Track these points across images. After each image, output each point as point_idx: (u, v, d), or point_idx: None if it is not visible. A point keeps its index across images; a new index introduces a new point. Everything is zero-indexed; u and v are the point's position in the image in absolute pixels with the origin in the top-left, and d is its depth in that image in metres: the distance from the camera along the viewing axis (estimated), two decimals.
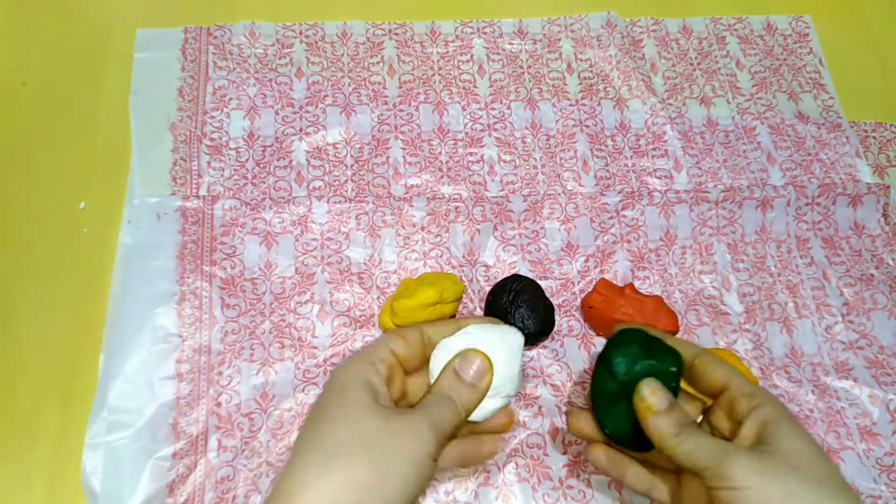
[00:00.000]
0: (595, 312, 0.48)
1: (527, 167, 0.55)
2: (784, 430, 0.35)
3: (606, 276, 0.51)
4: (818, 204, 0.54)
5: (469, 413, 0.38)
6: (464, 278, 0.50)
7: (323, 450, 0.33)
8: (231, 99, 0.56)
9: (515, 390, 0.39)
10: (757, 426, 0.35)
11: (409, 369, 0.40)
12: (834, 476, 0.33)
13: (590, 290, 0.50)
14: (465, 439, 0.40)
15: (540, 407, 0.47)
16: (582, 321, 0.50)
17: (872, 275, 0.52)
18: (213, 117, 0.55)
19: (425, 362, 0.40)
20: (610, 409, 0.39)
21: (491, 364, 0.38)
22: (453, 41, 0.60)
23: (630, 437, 0.39)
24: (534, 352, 0.48)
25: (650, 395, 0.36)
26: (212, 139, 0.54)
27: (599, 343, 0.49)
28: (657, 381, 0.37)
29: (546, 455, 0.45)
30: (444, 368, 0.38)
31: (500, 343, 0.39)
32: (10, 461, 0.45)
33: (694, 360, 0.39)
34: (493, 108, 0.58)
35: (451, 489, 0.44)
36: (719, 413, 0.38)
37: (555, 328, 0.48)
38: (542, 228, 0.52)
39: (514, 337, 0.39)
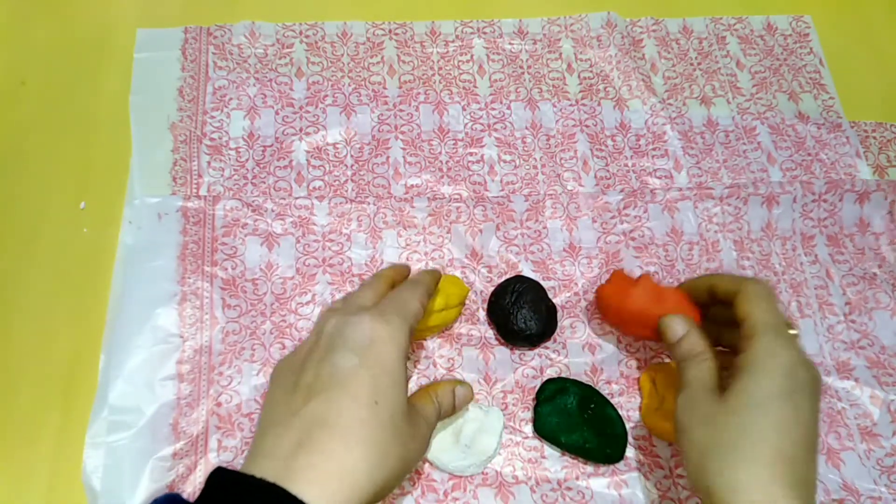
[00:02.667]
0: (608, 302, 0.47)
1: (527, 167, 0.55)
2: (744, 381, 0.35)
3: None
4: (825, 200, 0.54)
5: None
6: (466, 279, 0.50)
7: (371, 442, 0.32)
8: (231, 99, 0.56)
9: (494, 454, 0.45)
10: (735, 370, 0.37)
11: None
12: (781, 453, 0.33)
13: (594, 290, 0.50)
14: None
15: None
16: (586, 322, 0.50)
17: (875, 274, 0.52)
18: (213, 117, 0.55)
19: None
20: (569, 430, 0.44)
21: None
22: (453, 41, 0.60)
23: (591, 448, 0.44)
24: (535, 353, 0.48)
25: (667, 328, 0.41)
26: (212, 139, 0.54)
27: (605, 343, 0.49)
28: (675, 316, 0.41)
29: (544, 458, 0.45)
30: (446, 386, 0.41)
31: (485, 420, 0.45)
32: (10, 460, 0.45)
33: (734, 299, 0.40)
34: (493, 108, 0.58)
35: (451, 489, 0.44)
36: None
37: (557, 329, 0.48)
38: (544, 228, 0.52)
39: (497, 415, 0.45)
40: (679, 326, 0.40)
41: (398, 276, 0.43)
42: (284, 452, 0.31)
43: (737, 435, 0.33)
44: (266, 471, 0.30)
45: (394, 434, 0.33)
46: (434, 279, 0.43)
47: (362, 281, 0.50)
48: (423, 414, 0.37)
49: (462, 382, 0.42)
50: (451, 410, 0.40)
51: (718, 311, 0.43)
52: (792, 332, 0.37)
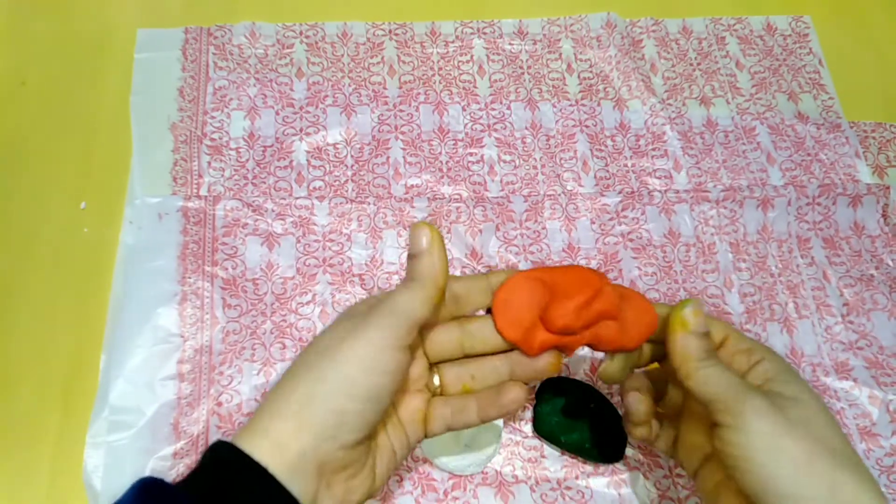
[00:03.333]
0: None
1: (527, 167, 0.55)
2: (791, 388, 0.33)
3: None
4: (819, 204, 0.54)
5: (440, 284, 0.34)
6: None
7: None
8: (231, 99, 0.56)
9: (494, 454, 0.44)
10: (759, 383, 0.34)
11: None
12: (847, 447, 0.32)
13: None
14: (482, 393, 0.37)
15: None
16: None
17: (872, 275, 0.52)
18: (213, 117, 0.55)
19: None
20: (569, 430, 0.44)
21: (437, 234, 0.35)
22: (453, 41, 0.60)
23: (591, 448, 0.44)
24: None
25: (692, 314, 0.34)
26: (212, 139, 0.54)
27: None
28: (699, 304, 0.35)
29: (544, 457, 0.45)
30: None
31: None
32: (11, 460, 0.45)
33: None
34: (493, 109, 0.58)
35: (451, 489, 0.44)
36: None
37: None
38: (543, 229, 0.52)
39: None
40: (701, 319, 0.35)
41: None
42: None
43: (835, 444, 0.31)
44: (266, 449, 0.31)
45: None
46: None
47: (362, 281, 0.50)
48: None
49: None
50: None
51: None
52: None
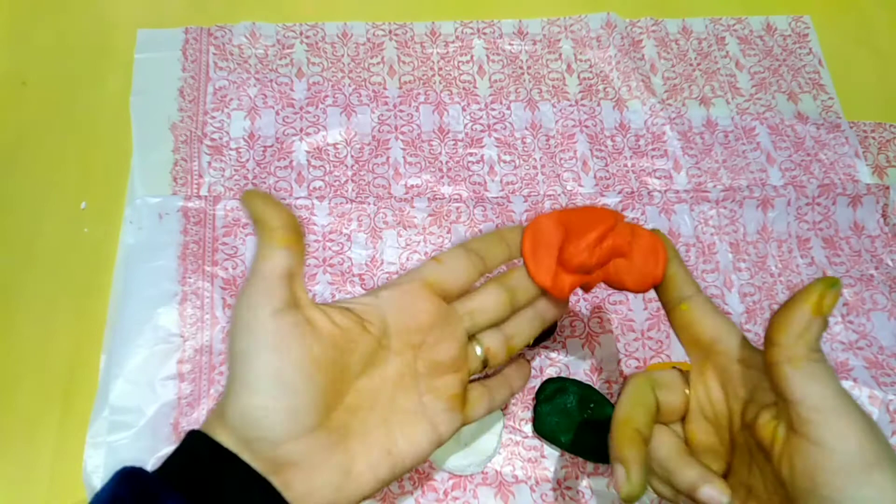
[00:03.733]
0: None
1: (527, 167, 0.55)
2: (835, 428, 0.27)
3: None
4: (818, 204, 0.54)
5: None
6: None
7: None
8: (232, 99, 0.56)
9: (494, 454, 0.45)
10: (783, 428, 0.28)
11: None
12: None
13: (593, 290, 0.50)
14: (487, 381, 0.37)
15: None
16: (585, 321, 0.50)
17: (872, 275, 0.52)
18: (213, 117, 0.55)
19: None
20: (569, 429, 0.44)
21: None
22: (453, 42, 0.60)
23: (591, 448, 0.44)
24: (535, 352, 0.48)
25: (833, 297, 0.31)
26: (212, 139, 0.54)
27: (605, 342, 0.49)
28: (840, 288, 0.31)
29: (544, 457, 0.45)
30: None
31: (485, 419, 0.43)
32: (11, 460, 0.45)
33: (679, 305, 0.34)
34: (493, 109, 0.58)
35: (451, 489, 0.44)
36: (710, 379, 0.32)
37: (557, 329, 0.48)
38: None
39: (497, 415, 0.45)
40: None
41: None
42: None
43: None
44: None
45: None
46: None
47: (362, 280, 0.50)
48: None
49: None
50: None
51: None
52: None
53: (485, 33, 0.61)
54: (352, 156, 0.55)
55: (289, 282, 0.29)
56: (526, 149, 0.56)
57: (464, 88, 0.58)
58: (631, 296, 0.50)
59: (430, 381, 0.33)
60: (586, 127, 0.57)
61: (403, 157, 0.55)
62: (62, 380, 0.47)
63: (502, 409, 0.46)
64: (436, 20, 0.61)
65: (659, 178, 0.56)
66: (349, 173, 0.54)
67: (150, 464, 0.43)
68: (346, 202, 0.52)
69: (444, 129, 0.57)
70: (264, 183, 0.53)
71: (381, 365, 0.32)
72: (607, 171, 0.56)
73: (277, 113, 0.56)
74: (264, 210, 0.29)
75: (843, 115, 0.59)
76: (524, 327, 0.37)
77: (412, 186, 0.54)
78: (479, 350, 0.35)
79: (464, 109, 0.58)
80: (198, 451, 0.29)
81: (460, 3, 0.62)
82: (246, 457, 0.28)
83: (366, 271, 0.50)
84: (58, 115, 0.55)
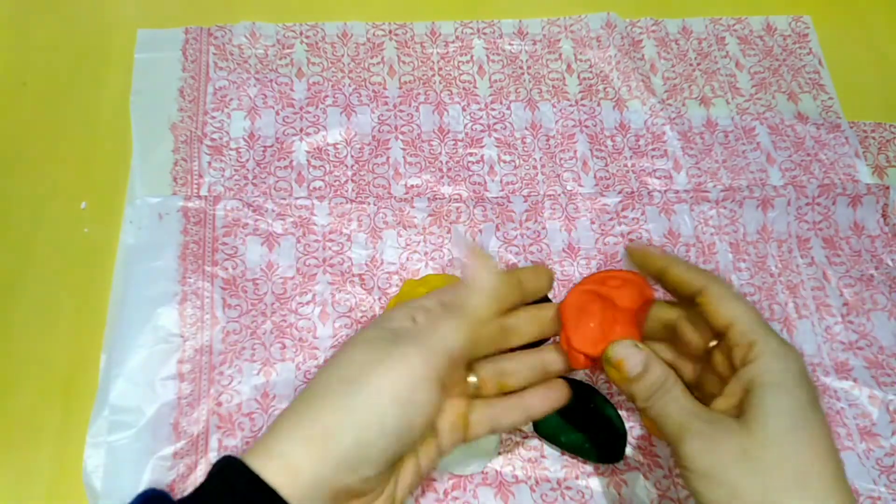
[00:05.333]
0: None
1: (527, 167, 0.55)
2: (768, 401, 0.29)
3: None
4: (818, 204, 0.54)
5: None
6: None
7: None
8: (232, 99, 0.56)
9: (494, 454, 0.44)
10: (740, 389, 0.31)
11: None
12: (825, 473, 0.28)
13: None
14: (495, 402, 0.37)
15: None
16: None
17: (872, 275, 0.52)
18: (213, 117, 0.55)
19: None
20: (569, 429, 0.44)
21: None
22: (453, 42, 0.60)
23: (591, 448, 0.44)
24: None
25: (620, 364, 0.33)
26: (212, 139, 0.54)
27: None
28: (625, 345, 0.33)
29: (544, 457, 0.45)
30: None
31: None
32: (11, 460, 0.45)
33: (697, 298, 0.34)
34: (493, 109, 0.58)
35: (451, 489, 0.44)
36: (719, 357, 0.34)
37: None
38: (543, 229, 0.52)
39: None
40: (634, 360, 0.33)
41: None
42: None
43: (785, 468, 0.28)
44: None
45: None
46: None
47: (362, 280, 0.50)
48: None
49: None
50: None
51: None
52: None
53: (485, 33, 0.61)
54: (352, 156, 0.55)
55: (459, 364, 0.32)
56: (526, 149, 0.56)
57: (464, 88, 0.59)
58: None
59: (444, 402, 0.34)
60: (586, 127, 0.57)
61: (403, 157, 0.55)
62: (62, 380, 0.47)
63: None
64: (436, 20, 0.61)
65: (659, 178, 0.56)
66: (349, 173, 0.54)
67: (150, 465, 0.43)
68: (346, 202, 0.52)
69: (444, 129, 0.57)
70: (264, 183, 0.53)
71: None
72: (607, 171, 0.56)
73: (277, 113, 0.56)
74: (483, 294, 0.32)
75: (843, 115, 0.59)
76: (524, 370, 0.37)
77: (412, 186, 0.54)
78: (473, 378, 0.36)
79: (464, 109, 0.58)
80: (229, 479, 0.28)
81: (460, 3, 0.62)
82: (290, 490, 0.27)
83: (366, 271, 0.50)
84: (58, 115, 0.55)
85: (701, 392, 0.36)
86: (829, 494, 0.28)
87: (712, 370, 0.35)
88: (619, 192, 0.54)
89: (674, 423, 0.31)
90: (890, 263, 0.53)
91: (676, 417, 0.31)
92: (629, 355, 0.33)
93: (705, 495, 0.29)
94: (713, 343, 0.35)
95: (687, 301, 0.36)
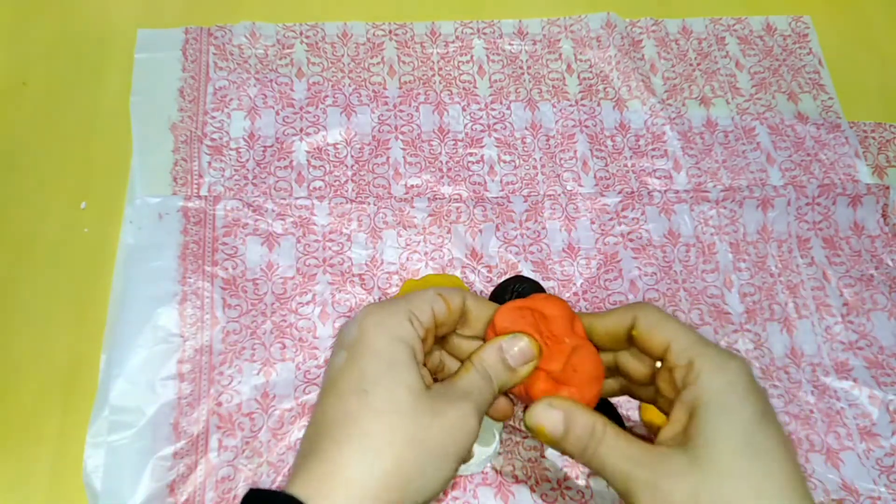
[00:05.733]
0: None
1: (526, 167, 0.55)
2: (712, 425, 0.28)
3: (609, 277, 0.51)
4: (818, 204, 0.54)
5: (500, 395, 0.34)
6: (466, 279, 0.50)
7: (361, 434, 0.29)
8: (232, 99, 0.56)
9: (494, 453, 0.44)
10: (684, 414, 0.30)
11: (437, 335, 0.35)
12: (783, 495, 0.27)
13: (594, 290, 0.50)
14: None
15: None
16: None
17: (872, 275, 0.52)
18: (213, 117, 0.55)
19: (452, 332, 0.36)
20: None
21: (539, 349, 0.34)
22: (453, 42, 0.60)
23: None
24: None
25: (540, 431, 0.31)
26: (212, 139, 0.54)
27: None
28: (542, 408, 0.31)
29: (544, 457, 0.45)
30: (489, 344, 0.34)
31: (485, 419, 0.42)
32: (11, 460, 0.45)
33: (632, 332, 0.33)
34: (493, 109, 0.58)
35: (451, 489, 0.44)
36: (664, 384, 0.32)
37: None
38: (543, 229, 0.52)
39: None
40: (552, 421, 0.31)
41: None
42: (296, 468, 0.30)
43: (740, 498, 0.27)
44: (291, 485, 0.29)
45: (395, 418, 0.29)
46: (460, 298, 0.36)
47: (362, 280, 0.50)
48: (459, 388, 0.32)
49: (514, 336, 0.34)
50: (508, 372, 0.33)
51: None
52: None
53: (485, 33, 0.61)
54: (352, 156, 0.55)
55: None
56: (526, 149, 0.56)
57: (464, 88, 0.58)
58: (631, 296, 0.50)
59: None
60: (586, 127, 0.57)
61: (403, 157, 0.55)
62: (62, 380, 0.47)
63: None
64: (436, 20, 0.61)
65: (659, 178, 0.56)
66: (349, 173, 0.54)
67: (150, 465, 0.43)
68: (346, 202, 0.52)
69: (444, 129, 0.57)
70: (264, 183, 0.53)
71: None
72: (607, 171, 0.56)
73: (277, 113, 0.56)
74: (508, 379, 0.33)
75: (843, 115, 0.59)
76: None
77: (412, 186, 0.54)
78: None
79: (464, 109, 0.58)
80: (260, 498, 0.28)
81: (460, 3, 0.62)
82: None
83: (366, 271, 0.50)
84: (58, 115, 0.55)
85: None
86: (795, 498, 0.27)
87: (663, 398, 0.33)
88: (619, 192, 0.54)
89: (618, 475, 0.29)
90: (890, 263, 0.53)
91: (618, 468, 0.29)
92: (546, 418, 0.31)
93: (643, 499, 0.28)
94: (658, 365, 0.33)
95: (627, 342, 0.34)
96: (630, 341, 0.34)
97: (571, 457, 0.32)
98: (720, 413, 0.28)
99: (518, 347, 0.33)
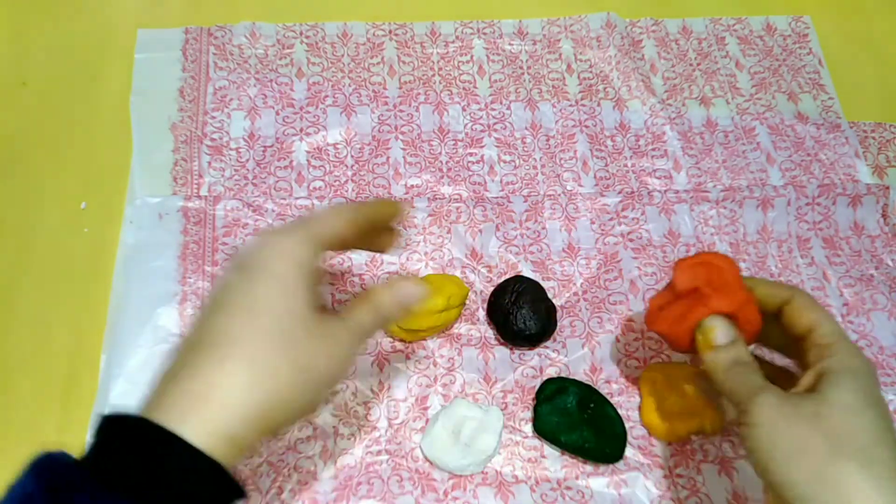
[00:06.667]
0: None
1: (527, 167, 0.55)
2: (837, 380, 0.33)
3: (609, 277, 0.51)
4: (818, 204, 0.54)
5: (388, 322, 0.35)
6: (466, 279, 0.50)
7: (244, 357, 0.29)
8: (232, 99, 0.56)
9: (494, 454, 0.44)
10: (813, 378, 0.34)
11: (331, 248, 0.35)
12: (886, 456, 0.31)
13: (593, 290, 0.50)
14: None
15: None
16: (585, 321, 0.50)
17: (872, 275, 0.52)
18: (213, 117, 0.55)
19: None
20: (568, 429, 0.44)
21: (426, 293, 0.35)
22: (453, 42, 0.60)
23: (591, 448, 0.44)
24: (535, 352, 0.48)
25: (711, 331, 0.37)
26: (212, 139, 0.54)
27: (605, 342, 0.49)
28: (720, 318, 0.38)
29: (544, 457, 0.45)
30: (385, 286, 0.35)
31: (484, 419, 0.44)
32: (11, 460, 0.44)
33: (784, 306, 0.38)
34: (493, 109, 0.58)
35: (451, 489, 0.44)
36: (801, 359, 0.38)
37: (556, 329, 0.48)
38: (543, 229, 0.52)
39: (496, 414, 0.45)
40: (723, 332, 0.37)
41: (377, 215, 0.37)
42: (164, 382, 0.29)
43: (853, 439, 0.31)
44: (149, 408, 0.28)
45: (284, 344, 0.29)
46: (378, 207, 0.38)
47: (362, 280, 0.50)
48: (347, 319, 0.33)
49: (406, 278, 0.36)
50: (395, 310, 0.35)
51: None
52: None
53: (485, 33, 0.61)
54: (352, 156, 0.55)
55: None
56: (526, 149, 0.56)
57: (464, 88, 0.58)
58: (631, 296, 0.50)
59: None
60: (586, 127, 0.57)
61: (403, 157, 0.55)
62: (62, 379, 0.47)
63: (502, 409, 0.46)
64: (436, 20, 0.61)
65: (659, 178, 0.56)
66: (349, 173, 0.54)
67: None
68: (347, 202, 0.52)
69: (444, 129, 0.57)
70: (264, 183, 0.53)
71: None
72: (607, 171, 0.56)
73: (277, 113, 0.56)
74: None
75: (843, 115, 0.59)
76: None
77: (412, 186, 0.54)
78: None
79: (464, 109, 0.58)
80: (133, 436, 0.27)
81: (460, 3, 0.62)
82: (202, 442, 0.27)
83: (366, 271, 0.50)
84: (58, 116, 0.55)
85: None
86: (892, 477, 0.30)
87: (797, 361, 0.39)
88: (619, 192, 0.54)
89: (747, 387, 0.35)
90: (890, 263, 0.53)
91: (751, 384, 0.35)
92: (721, 325, 0.37)
93: (767, 449, 0.32)
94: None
95: (772, 315, 0.39)
96: (776, 315, 0.39)
97: (712, 372, 0.37)
98: (851, 377, 0.33)
99: (405, 289, 0.35)
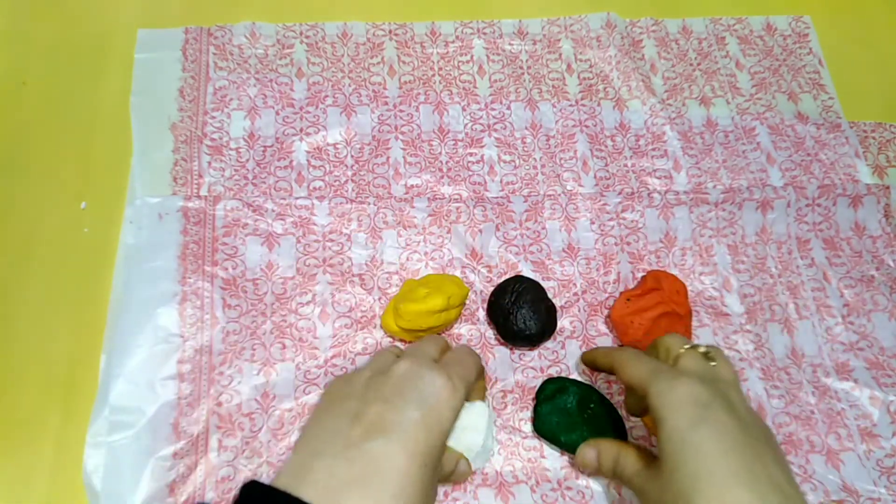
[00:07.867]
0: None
1: (527, 167, 0.55)
2: (661, 435, 0.36)
3: (609, 278, 0.51)
4: (819, 205, 0.54)
5: None
6: (466, 279, 0.50)
7: (395, 493, 0.33)
8: (231, 99, 0.56)
9: (486, 451, 0.43)
10: (652, 424, 0.38)
11: None
12: (720, 472, 0.33)
13: (593, 290, 0.50)
14: None
15: None
16: (585, 321, 0.50)
17: (873, 276, 0.52)
18: (213, 117, 0.55)
19: None
20: (569, 429, 0.45)
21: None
22: (453, 42, 0.60)
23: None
24: (535, 352, 0.48)
25: (583, 464, 0.42)
26: (212, 139, 0.54)
27: (604, 343, 0.49)
28: (582, 448, 0.42)
29: (544, 457, 0.45)
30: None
31: (464, 416, 0.42)
32: (11, 460, 0.45)
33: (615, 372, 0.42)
34: (493, 109, 0.58)
35: (451, 489, 0.44)
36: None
37: (556, 329, 0.48)
38: (543, 229, 0.52)
39: (479, 409, 0.42)
40: (588, 457, 0.42)
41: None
42: (336, 484, 0.32)
43: (679, 478, 0.34)
44: (312, 497, 0.31)
45: (426, 493, 0.34)
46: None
47: (362, 280, 0.50)
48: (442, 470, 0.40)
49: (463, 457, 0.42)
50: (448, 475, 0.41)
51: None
52: (685, 346, 0.40)
53: (485, 33, 0.61)
54: (352, 156, 0.55)
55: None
56: (526, 149, 0.56)
57: (464, 88, 0.58)
58: None
59: None
60: (586, 127, 0.57)
61: (403, 157, 0.55)
62: (62, 380, 0.47)
63: (502, 409, 0.46)
64: (436, 20, 0.61)
65: (659, 178, 0.55)
66: (349, 173, 0.54)
67: (150, 465, 0.43)
68: (346, 202, 0.52)
69: (444, 129, 0.57)
70: (264, 183, 0.53)
71: None
72: (607, 171, 0.56)
73: (277, 113, 0.56)
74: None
75: (843, 115, 0.59)
76: None
77: (412, 186, 0.54)
78: None
79: (464, 109, 0.57)
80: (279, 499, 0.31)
81: (460, 3, 0.62)
82: None
83: (366, 271, 0.50)
84: (58, 116, 0.55)
85: None
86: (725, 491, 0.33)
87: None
88: (619, 193, 0.54)
89: (631, 479, 0.39)
90: (891, 264, 0.53)
91: (632, 476, 0.39)
92: (584, 454, 0.42)
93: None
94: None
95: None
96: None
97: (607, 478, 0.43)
98: (663, 427, 0.36)
99: (463, 469, 0.41)
